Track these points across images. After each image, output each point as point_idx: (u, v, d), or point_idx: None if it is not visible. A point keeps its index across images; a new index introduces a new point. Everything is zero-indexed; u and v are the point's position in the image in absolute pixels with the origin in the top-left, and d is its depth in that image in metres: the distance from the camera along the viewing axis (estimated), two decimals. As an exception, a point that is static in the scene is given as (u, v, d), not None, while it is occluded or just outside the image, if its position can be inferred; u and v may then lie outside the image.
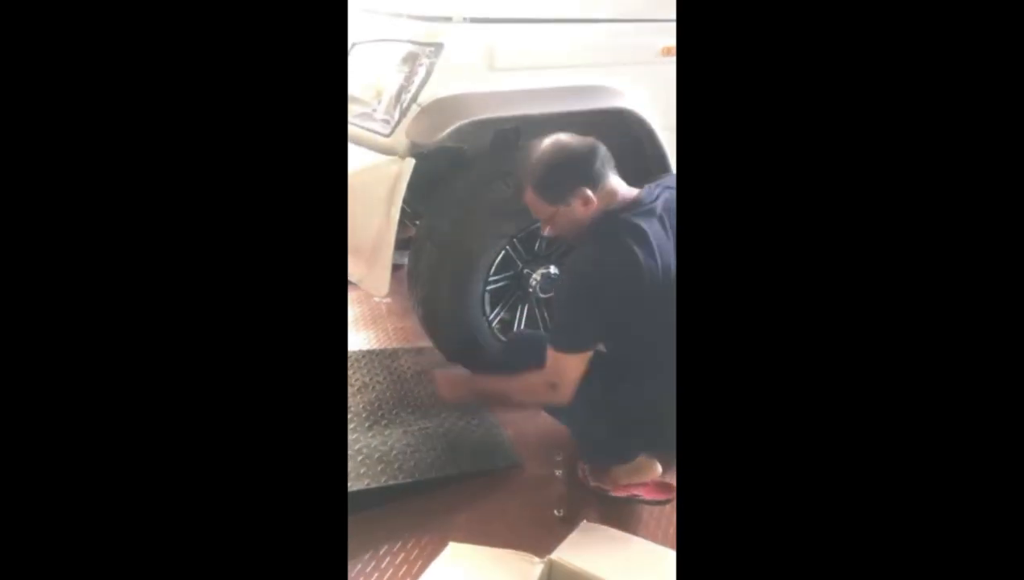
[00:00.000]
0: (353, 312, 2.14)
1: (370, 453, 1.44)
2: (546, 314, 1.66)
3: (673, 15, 1.47)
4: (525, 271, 1.57)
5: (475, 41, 1.33)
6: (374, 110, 1.41)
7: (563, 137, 1.23)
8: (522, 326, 1.64)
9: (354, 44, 1.49)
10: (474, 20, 1.34)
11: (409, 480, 1.39)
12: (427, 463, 1.44)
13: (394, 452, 1.46)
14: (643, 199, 1.20)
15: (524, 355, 1.31)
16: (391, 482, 1.37)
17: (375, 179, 1.35)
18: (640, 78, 1.52)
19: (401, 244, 1.66)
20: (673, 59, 1.53)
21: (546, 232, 1.29)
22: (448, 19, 1.33)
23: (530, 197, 1.23)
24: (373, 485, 1.36)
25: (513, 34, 1.37)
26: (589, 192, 1.19)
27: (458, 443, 1.52)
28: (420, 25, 1.34)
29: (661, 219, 1.19)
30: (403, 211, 1.78)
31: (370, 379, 1.74)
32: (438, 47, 1.31)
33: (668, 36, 1.51)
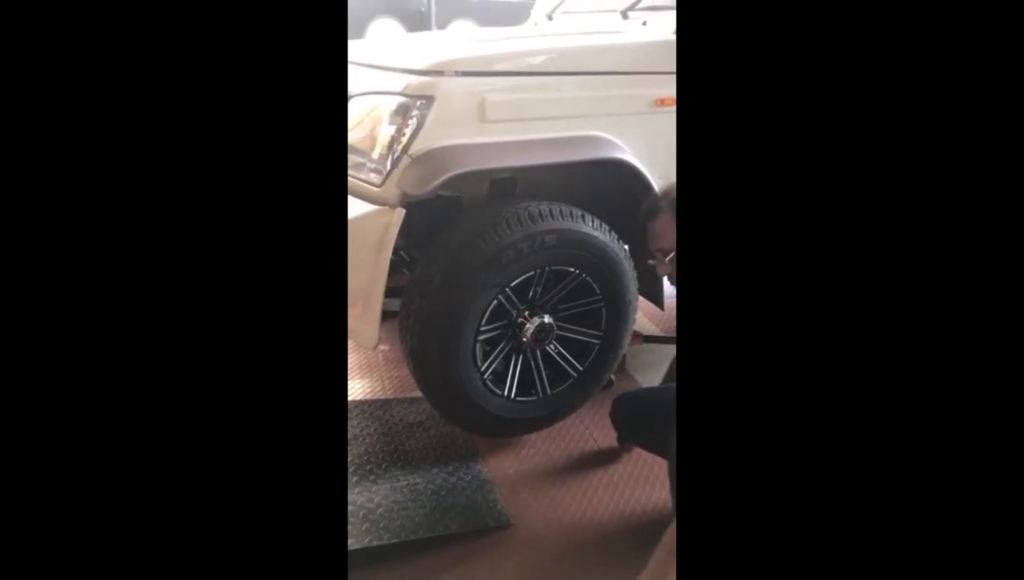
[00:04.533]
0: (348, 360, 2.11)
1: (355, 511, 1.39)
2: (541, 366, 1.62)
3: (665, 67, 1.50)
4: (519, 320, 1.54)
5: (466, 94, 1.34)
6: (368, 161, 1.41)
7: None
8: (516, 379, 1.59)
9: (351, 96, 1.51)
10: (465, 73, 1.35)
11: (395, 540, 1.33)
12: (415, 522, 1.39)
13: (380, 510, 1.41)
14: None
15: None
16: (376, 543, 1.32)
17: (365, 229, 1.34)
18: (635, 128, 1.52)
19: (396, 292, 1.65)
20: (667, 109, 1.53)
21: (663, 270, 1.37)
22: (440, 73, 1.34)
23: (664, 222, 1.32)
24: (357, 546, 1.30)
25: (504, 87, 1.38)
26: None
27: (448, 501, 1.46)
28: (413, 78, 1.35)
29: None
30: (400, 258, 1.78)
31: (360, 431, 1.69)
32: (429, 100, 1.31)
33: (662, 87, 1.52)
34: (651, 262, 1.44)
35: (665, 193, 1.38)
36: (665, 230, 1.33)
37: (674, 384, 1.50)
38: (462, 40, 1.94)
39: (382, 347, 2.18)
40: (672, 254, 1.33)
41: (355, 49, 1.77)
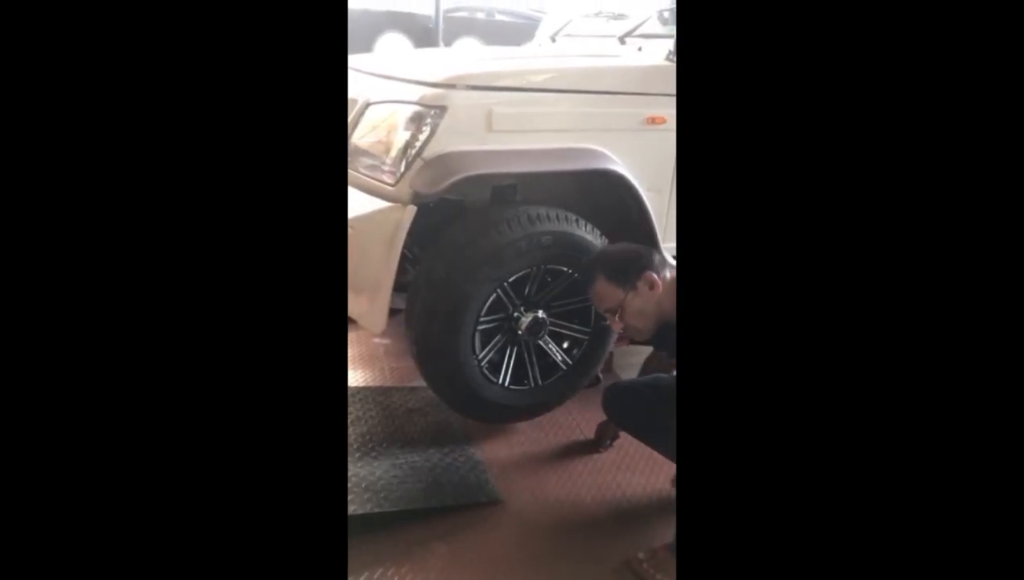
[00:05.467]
0: (352, 351, 2.24)
1: (358, 482, 1.51)
2: (534, 358, 1.75)
3: (657, 89, 1.66)
4: (515, 314, 1.67)
5: (475, 105, 1.48)
6: (383, 163, 1.55)
7: (623, 243, 1.57)
8: (510, 369, 1.72)
9: (369, 104, 1.65)
10: (475, 87, 1.49)
11: (394, 509, 1.45)
12: (412, 494, 1.50)
13: (381, 482, 1.52)
14: None
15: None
16: (376, 510, 1.43)
17: (379, 223, 1.48)
18: (626, 143, 1.66)
19: (402, 287, 1.77)
20: (656, 127, 1.68)
21: (616, 326, 1.47)
22: (452, 86, 1.49)
23: (601, 286, 1.44)
24: (359, 511, 1.42)
25: (509, 100, 1.53)
26: (654, 275, 1.40)
27: (443, 478, 1.58)
28: (427, 90, 1.50)
29: None
30: (404, 257, 1.91)
31: (363, 413, 1.81)
32: (442, 109, 1.46)
33: (652, 107, 1.67)
34: (604, 322, 1.56)
35: (596, 258, 1.50)
36: (604, 293, 1.44)
37: (660, 375, 1.63)
38: (471, 57, 2.10)
39: (383, 341, 2.30)
40: (619, 312, 1.44)
41: (368, 62, 1.92)
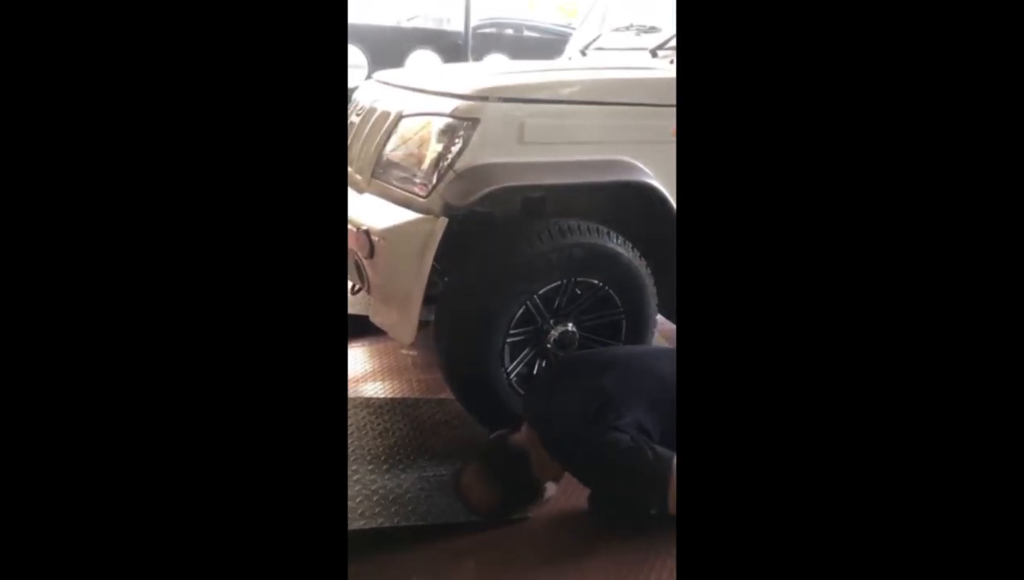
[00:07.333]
0: (380, 363, 2.24)
1: (385, 494, 1.50)
2: (563, 371, 1.72)
3: (690, 101, 1.64)
4: (544, 327, 1.65)
5: (508, 117, 1.48)
6: (414, 175, 1.56)
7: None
8: (539, 381, 1.70)
9: (402, 117, 1.66)
10: (507, 100, 1.49)
11: (421, 523, 1.44)
12: (440, 508, 1.49)
13: (408, 495, 1.51)
14: None
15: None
16: (403, 523, 1.42)
17: (411, 234, 1.48)
18: (659, 155, 1.64)
19: (430, 299, 1.77)
20: (690, 140, 1.66)
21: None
22: (485, 98, 1.49)
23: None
24: (386, 525, 1.41)
25: (542, 112, 1.52)
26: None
27: (471, 492, 1.56)
28: (460, 102, 1.51)
29: None
30: (434, 269, 1.92)
31: (391, 425, 1.81)
32: (474, 122, 1.46)
33: (685, 119, 1.65)
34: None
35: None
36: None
37: None
38: (503, 70, 2.11)
39: (412, 352, 2.31)
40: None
41: (400, 75, 1.93)
